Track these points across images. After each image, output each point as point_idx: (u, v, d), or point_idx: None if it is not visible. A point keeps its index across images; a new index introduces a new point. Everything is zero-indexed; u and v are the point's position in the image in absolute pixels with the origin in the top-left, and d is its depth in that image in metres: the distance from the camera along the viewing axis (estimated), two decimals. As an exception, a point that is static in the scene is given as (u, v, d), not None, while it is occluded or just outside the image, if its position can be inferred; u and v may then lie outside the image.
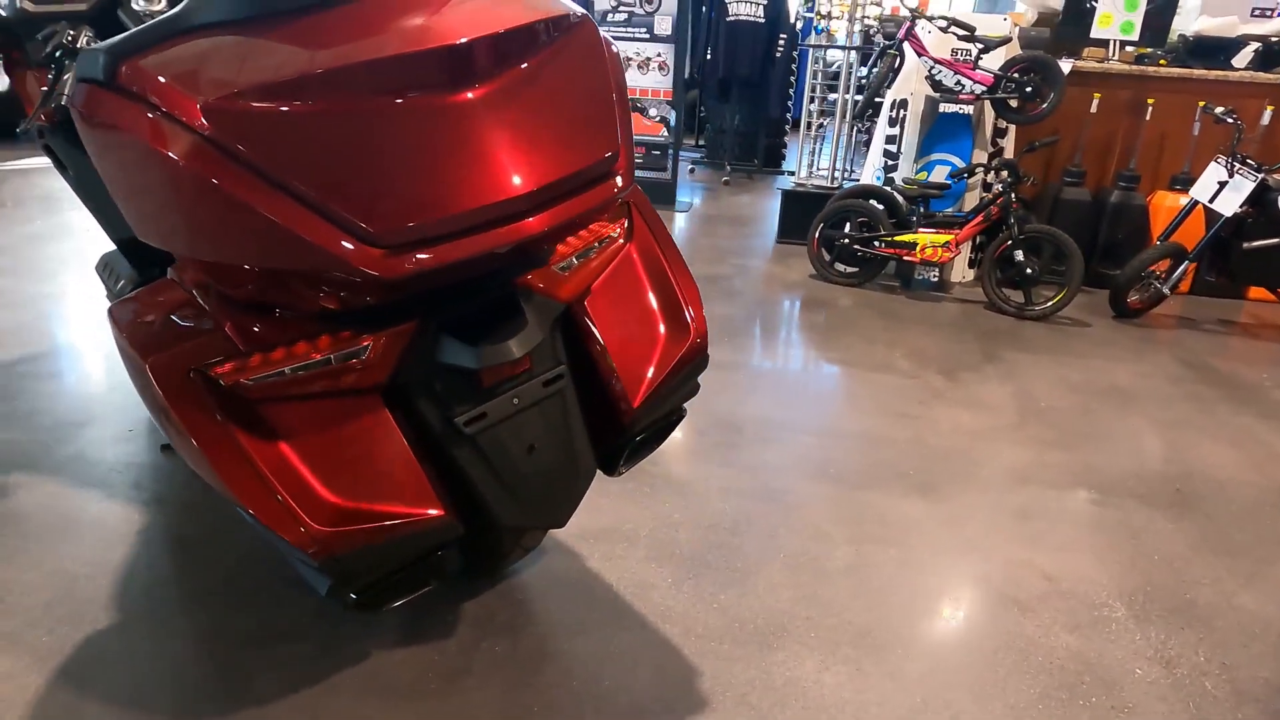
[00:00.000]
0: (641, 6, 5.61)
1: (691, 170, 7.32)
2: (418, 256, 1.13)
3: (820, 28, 5.10)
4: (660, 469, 2.48)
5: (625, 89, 1.39)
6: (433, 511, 1.34)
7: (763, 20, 6.48)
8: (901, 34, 4.23)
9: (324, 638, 1.77)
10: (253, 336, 1.28)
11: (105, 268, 2.51)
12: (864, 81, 4.92)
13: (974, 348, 3.62)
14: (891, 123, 4.57)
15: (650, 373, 1.59)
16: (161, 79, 1.14)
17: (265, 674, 1.67)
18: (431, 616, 1.84)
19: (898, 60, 4.37)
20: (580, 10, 1.34)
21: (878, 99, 4.57)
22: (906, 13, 4.27)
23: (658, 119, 5.88)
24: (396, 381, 1.36)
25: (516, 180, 1.18)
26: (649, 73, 5.76)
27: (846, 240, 4.30)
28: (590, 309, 1.57)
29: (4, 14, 2.36)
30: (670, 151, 5.92)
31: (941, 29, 4.13)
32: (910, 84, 4.43)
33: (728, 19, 6.51)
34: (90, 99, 1.24)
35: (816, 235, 4.41)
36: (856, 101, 4.86)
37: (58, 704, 1.57)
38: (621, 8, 5.65)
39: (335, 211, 1.10)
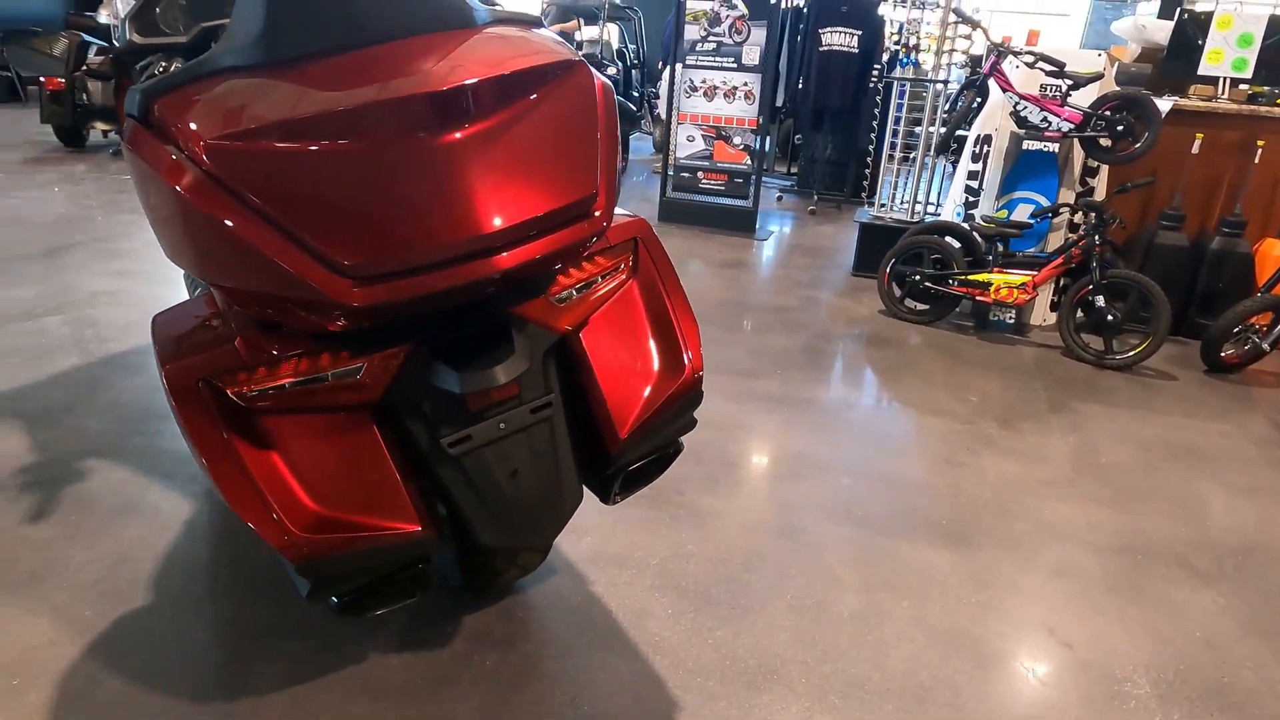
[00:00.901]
0: (730, 37, 5.66)
1: (779, 198, 7.30)
2: (386, 287, 1.21)
3: (905, 60, 5.02)
4: (684, 498, 2.49)
5: (615, 130, 1.43)
6: (409, 526, 1.41)
7: (856, 51, 6.43)
8: (986, 69, 4.12)
9: (327, 637, 1.87)
10: (260, 352, 1.39)
11: (188, 275, 2.74)
12: (946, 116, 4.81)
13: (1040, 395, 3.47)
14: (974, 158, 4.44)
15: (641, 405, 1.62)
16: (179, 118, 1.26)
17: (269, 666, 1.78)
18: (431, 626, 1.92)
19: (980, 95, 4.26)
20: (575, 55, 1.40)
21: (959, 132, 4.46)
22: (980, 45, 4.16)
23: (741, 147, 5.90)
24: (389, 400, 1.44)
25: (488, 218, 1.24)
26: (735, 101, 5.80)
27: (917, 277, 4.20)
28: (587, 340, 1.61)
29: (117, 45, 2.63)
30: (753, 179, 5.92)
31: (1029, 64, 4.00)
32: (995, 119, 4.31)
33: (820, 49, 6.49)
34: (132, 134, 1.39)
35: (887, 270, 4.34)
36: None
37: (83, 675, 1.72)
38: (710, 38, 5.72)
39: (311, 243, 1.19)
